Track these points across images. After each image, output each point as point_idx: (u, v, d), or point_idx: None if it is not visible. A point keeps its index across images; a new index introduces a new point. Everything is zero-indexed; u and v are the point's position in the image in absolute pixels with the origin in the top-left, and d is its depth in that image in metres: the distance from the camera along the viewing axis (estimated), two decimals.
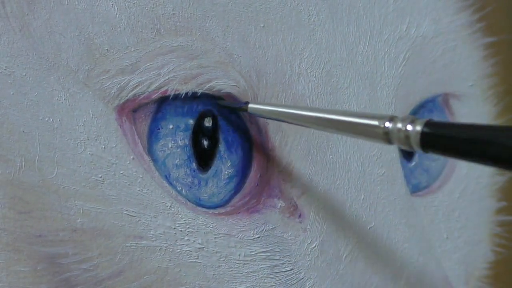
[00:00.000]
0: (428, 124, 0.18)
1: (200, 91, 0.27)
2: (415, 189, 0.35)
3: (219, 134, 0.29)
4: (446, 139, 0.17)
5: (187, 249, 0.27)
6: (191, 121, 0.28)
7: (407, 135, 0.18)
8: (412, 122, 0.18)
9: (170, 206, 0.27)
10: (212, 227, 0.28)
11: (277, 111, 0.26)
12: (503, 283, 0.39)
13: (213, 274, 0.28)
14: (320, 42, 0.30)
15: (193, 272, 0.27)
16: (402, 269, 0.31)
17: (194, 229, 0.27)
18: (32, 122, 0.25)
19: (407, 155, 0.35)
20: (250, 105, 0.27)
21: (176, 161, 0.28)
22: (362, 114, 0.21)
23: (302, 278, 0.29)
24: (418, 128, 0.18)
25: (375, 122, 0.20)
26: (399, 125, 0.19)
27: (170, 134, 0.28)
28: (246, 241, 0.28)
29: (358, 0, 0.31)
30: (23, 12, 0.25)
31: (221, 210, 0.29)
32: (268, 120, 0.29)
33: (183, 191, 0.28)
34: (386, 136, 0.19)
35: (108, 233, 0.26)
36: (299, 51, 0.29)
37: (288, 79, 0.29)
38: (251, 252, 0.28)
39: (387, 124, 0.19)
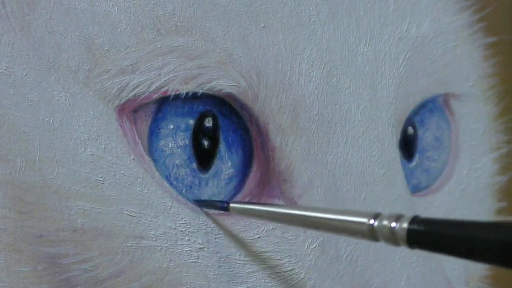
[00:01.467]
0: (414, 221, 0.18)
1: (201, 91, 0.27)
2: (416, 189, 0.35)
3: (220, 134, 0.29)
4: (433, 236, 0.17)
5: (187, 249, 0.27)
6: (191, 121, 0.28)
7: (393, 232, 0.18)
8: (398, 220, 0.18)
9: (171, 206, 0.27)
10: (213, 227, 0.28)
11: (259, 210, 0.26)
12: (503, 284, 0.39)
13: (214, 275, 0.28)
14: (320, 43, 0.30)
15: (194, 272, 0.27)
16: (402, 269, 0.31)
17: (194, 229, 0.27)
18: (33, 122, 0.25)
19: (408, 155, 0.35)
20: (231, 205, 0.27)
21: (177, 161, 0.28)
22: (346, 212, 0.21)
23: (303, 278, 0.29)
24: (404, 225, 0.18)
25: (361, 220, 0.20)
26: (385, 222, 0.19)
27: (170, 134, 0.28)
28: (246, 241, 0.28)
29: (358, 0, 0.31)
30: (24, 12, 0.25)
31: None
32: (269, 121, 0.29)
33: (184, 191, 0.28)
34: (372, 234, 0.19)
35: (109, 233, 0.26)
36: (300, 51, 0.29)
37: (289, 79, 0.29)
38: (251, 252, 0.28)
39: (372, 222, 0.19)
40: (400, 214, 0.19)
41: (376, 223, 0.19)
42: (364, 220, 0.19)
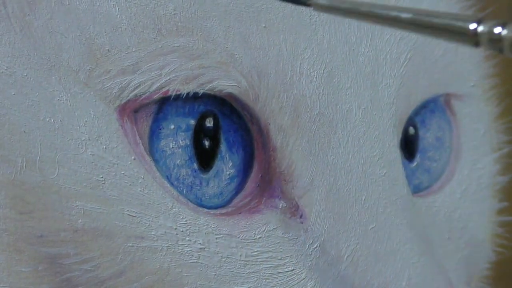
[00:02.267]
0: None
1: (202, 91, 0.27)
2: (417, 190, 0.35)
3: (221, 135, 0.29)
4: None
5: (188, 249, 0.27)
6: (192, 122, 0.28)
7: (498, 38, 0.18)
8: (504, 25, 0.18)
9: (172, 206, 0.27)
10: (214, 227, 0.28)
11: (345, 7, 0.23)
12: (504, 284, 0.39)
13: (215, 275, 0.27)
14: (321, 43, 0.30)
15: (195, 273, 0.27)
16: (404, 269, 0.31)
17: (195, 229, 0.27)
18: (33, 123, 0.25)
19: (409, 156, 0.35)
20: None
21: (178, 162, 0.28)
22: (447, 15, 0.20)
23: (304, 279, 0.29)
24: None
25: (463, 24, 0.19)
26: (489, 28, 0.18)
27: (171, 135, 0.28)
28: (247, 241, 0.28)
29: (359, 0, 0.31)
30: (24, 12, 0.25)
31: (223, 211, 0.29)
32: (270, 121, 0.29)
33: (185, 191, 0.28)
34: (474, 38, 0.19)
35: (110, 233, 0.26)
36: (301, 51, 0.29)
37: (290, 79, 0.29)
38: (252, 252, 0.28)
39: (475, 26, 0.18)
40: (505, 20, 0.18)
41: (479, 28, 0.18)
42: (467, 24, 0.19)
